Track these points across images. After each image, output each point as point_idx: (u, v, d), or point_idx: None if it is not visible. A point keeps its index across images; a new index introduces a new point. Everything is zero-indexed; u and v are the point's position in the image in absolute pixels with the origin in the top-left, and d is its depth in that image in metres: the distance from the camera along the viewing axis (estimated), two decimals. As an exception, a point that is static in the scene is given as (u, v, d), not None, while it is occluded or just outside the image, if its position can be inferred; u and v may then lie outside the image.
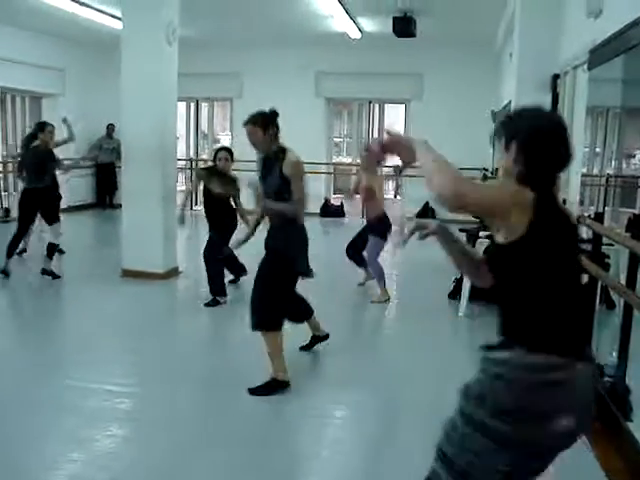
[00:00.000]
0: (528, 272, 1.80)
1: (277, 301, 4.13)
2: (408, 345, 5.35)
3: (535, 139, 1.86)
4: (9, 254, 7.12)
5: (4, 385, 4.20)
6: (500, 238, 1.85)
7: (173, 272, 7.33)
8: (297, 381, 4.28)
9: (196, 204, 13.67)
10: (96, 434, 3.49)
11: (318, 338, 4.90)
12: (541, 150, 1.85)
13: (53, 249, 7.26)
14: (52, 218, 7.29)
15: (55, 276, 7.13)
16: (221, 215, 6.23)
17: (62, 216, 7.72)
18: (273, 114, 4.14)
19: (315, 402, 4.08)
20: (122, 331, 5.49)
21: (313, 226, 11.94)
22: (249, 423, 3.77)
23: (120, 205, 8.04)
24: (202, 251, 6.34)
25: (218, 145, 11.62)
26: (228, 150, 6.43)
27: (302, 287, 4.51)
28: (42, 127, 7.34)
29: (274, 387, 4.10)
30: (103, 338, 5.26)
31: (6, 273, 7.03)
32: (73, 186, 12.35)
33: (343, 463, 3.36)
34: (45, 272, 7.13)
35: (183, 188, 13.55)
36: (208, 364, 4.83)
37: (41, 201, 7.16)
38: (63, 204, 8.59)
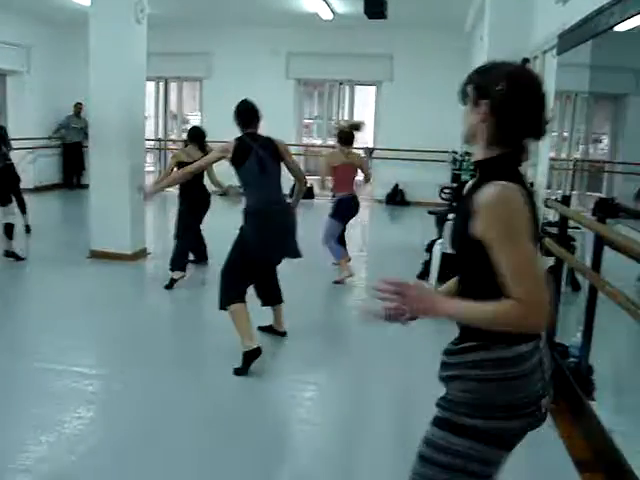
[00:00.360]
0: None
1: (232, 281, 4.32)
2: (375, 326, 5.38)
3: (512, 98, 1.62)
4: None
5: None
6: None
7: (141, 253, 7.28)
8: (267, 362, 4.30)
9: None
10: (64, 416, 3.47)
11: (275, 331, 4.90)
12: (518, 111, 1.63)
13: (10, 229, 7.10)
14: (2, 200, 7.15)
15: (18, 258, 7.02)
16: (193, 189, 6.14)
17: (28, 196, 7.62)
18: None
19: (286, 382, 4.10)
20: (90, 313, 5.44)
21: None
22: (218, 404, 3.78)
23: (88, 185, 7.95)
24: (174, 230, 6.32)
25: (190, 125, 11.52)
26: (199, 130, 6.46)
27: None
28: None
29: (248, 359, 4.13)
30: (70, 320, 5.21)
31: None
32: (40, 166, 12.18)
33: (314, 443, 3.39)
34: (8, 254, 7.04)
35: (152, 169, 13.48)
36: (176, 345, 4.83)
37: None
38: (29, 184, 8.48)
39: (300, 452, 3.33)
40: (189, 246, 6.44)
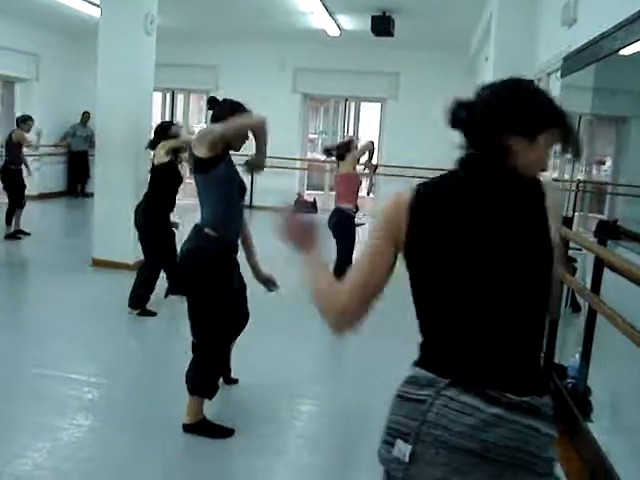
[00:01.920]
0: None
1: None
2: (375, 339, 5.38)
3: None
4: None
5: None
6: None
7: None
8: (265, 377, 4.31)
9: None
10: (62, 423, 3.48)
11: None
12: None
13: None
14: None
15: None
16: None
17: (33, 203, 7.71)
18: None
19: (283, 397, 4.11)
20: (91, 321, 5.46)
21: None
22: (215, 414, 3.78)
23: (92, 194, 7.99)
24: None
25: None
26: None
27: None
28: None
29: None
30: (71, 327, 5.23)
31: None
32: (45, 173, 12.21)
33: (310, 457, 3.40)
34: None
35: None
36: (174, 355, 4.83)
37: None
38: (33, 191, 8.55)
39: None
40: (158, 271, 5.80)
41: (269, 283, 3.82)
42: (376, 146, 13.50)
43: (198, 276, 3.36)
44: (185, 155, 5.50)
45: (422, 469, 1.36)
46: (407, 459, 1.37)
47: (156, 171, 5.53)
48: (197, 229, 3.43)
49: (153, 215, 5.59)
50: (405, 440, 1.39)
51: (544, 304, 1.47)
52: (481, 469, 1.34)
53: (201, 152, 3.29)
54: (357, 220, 6.52)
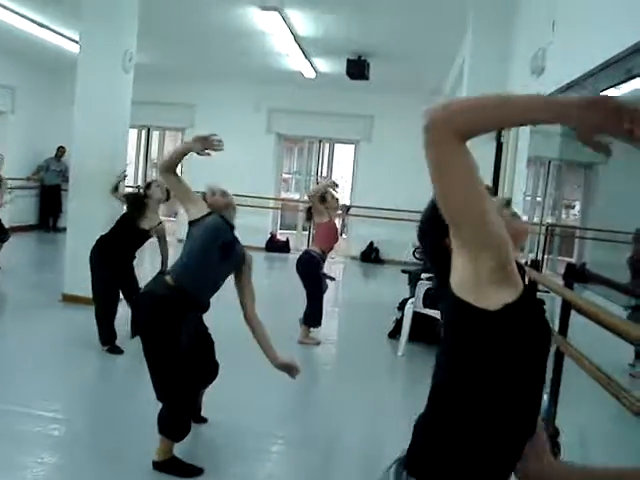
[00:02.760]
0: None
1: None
2: (345, 382, 5.39)
3: None
4: None
5: None
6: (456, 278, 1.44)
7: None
8: (235, 415, 4.28)
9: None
10: (27, 461, 3.42)
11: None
12: None
13: None
14: None
15: None
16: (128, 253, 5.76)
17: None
18: None
19: (253, 437, 4.08)
20: (58, 357, 5.39)
21: (257, 260, 11.97)
22: (185, 451, 3.74)
23: (64, 228, 7.94)
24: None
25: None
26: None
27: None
28: None
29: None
30: (38, 363, 5.14)
31: None
32: (17, 206, 12.09)
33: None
34: None
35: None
36: (141, 393, 4.77)
37: None
38: (5, 223, 8.43)
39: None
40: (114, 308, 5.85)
41: (292, 370, 3.74)
42: (347, 186, 13.73)
43: (146, 318, 3.40)
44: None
45: None
46: None
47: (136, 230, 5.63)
48: (158, 275, 3.46)
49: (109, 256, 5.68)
50: None
51: None
52: None
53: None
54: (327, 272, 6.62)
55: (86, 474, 3.40)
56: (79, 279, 7.01)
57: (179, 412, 3.45)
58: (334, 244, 6.68)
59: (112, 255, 5.65)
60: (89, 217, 6.97)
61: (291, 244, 13.45)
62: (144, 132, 14.28)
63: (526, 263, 4.39)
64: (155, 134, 14.47)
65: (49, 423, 3.94)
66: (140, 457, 3.61)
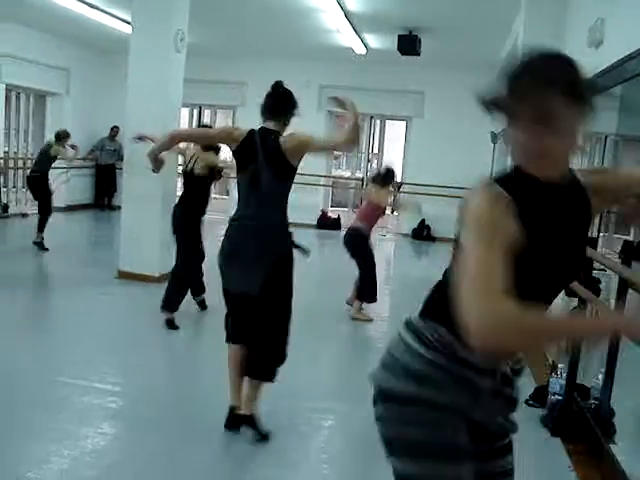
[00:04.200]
0: None
1: (227, 313, 3.69)
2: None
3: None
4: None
5: (-3, 379, 4.24)
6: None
7: (168, 276, 7.35)
8: (288, 390, 4.33)
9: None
10: (87, 431, 3.53)
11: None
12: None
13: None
14: None
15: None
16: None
17: (60, 215, 7.88)
18: None
19: (306, 412, 4.12)
20: (115, 332, 5.54)
21: (309, 237, 12.01)
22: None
23: (118, 207, 8.10)
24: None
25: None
26: None
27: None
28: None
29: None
30: (95, 338, 5.30)
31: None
32: (72, 185, 12.39)
33: (330, 472, 3.41)
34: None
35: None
36: (198, 367, 4.87)
37: None
38: (61, 203, 8.69)
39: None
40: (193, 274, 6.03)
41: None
42: (399, 164, 13.65)
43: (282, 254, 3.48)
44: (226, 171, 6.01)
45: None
46: None
47: (193, 177, 5.76)
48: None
49: (190, 219, 5.84)
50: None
51: None
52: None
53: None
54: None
55: (145, 445, 3.49)
56: (134, 256, 7.19)
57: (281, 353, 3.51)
58: (380, 220, 6.82)
59: (191, 214, 5.85)
60: (143, 195, 7.09)
61: (342, 221, 13.45)
62: (196, 111, 14.41)
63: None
64: (207, 113, 14.59)
65: (108, 395, 4.06)
66: (195, 429, 3.69)
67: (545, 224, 1.48)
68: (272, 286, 3.39)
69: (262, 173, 3.39)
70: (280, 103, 3.67)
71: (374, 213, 6.52)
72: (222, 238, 3.50)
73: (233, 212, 3.55)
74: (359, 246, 6.38)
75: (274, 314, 3.44)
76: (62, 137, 8.88)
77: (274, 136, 3.47)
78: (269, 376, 3.52)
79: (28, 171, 9.32)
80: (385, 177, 6.56)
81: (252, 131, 3.52)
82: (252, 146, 3.44)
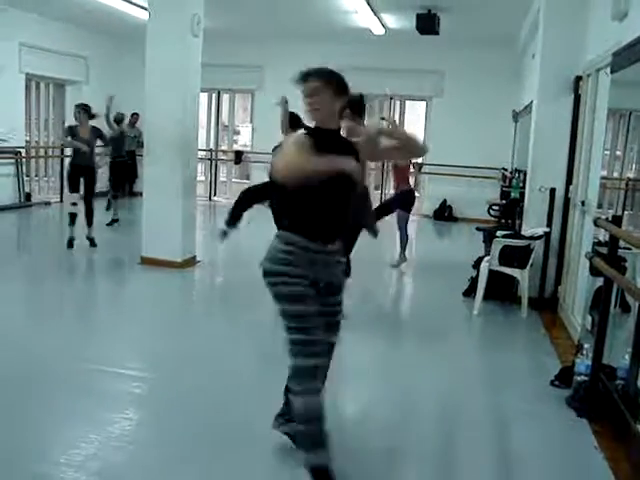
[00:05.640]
0: None
1: None
2: (420, 340, 5.38)
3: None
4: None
5: (22, 366, 4.28)
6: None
7: (191, 261, 7.40)
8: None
9: (215, 194, 13.83)
10: (113, 416, 3.56)
11: None
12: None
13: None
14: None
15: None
16: None
17: (80, 201, 8.02)
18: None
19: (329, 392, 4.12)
20: (139, 317, 5.57)
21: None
22: (265, 410, 3.82)
23: (139, 193, 8.13)
24: None
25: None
26: None
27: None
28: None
29: None
30: (119, 324, 5.34)
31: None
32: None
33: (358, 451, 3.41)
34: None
35: (202, 178, 13.68)
36: (222, 353, 4.89)
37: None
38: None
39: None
40: None
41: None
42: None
43: None
44: None
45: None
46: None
47: None
48: None
49: None
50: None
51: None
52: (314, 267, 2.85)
53: None
54: None
55: (171, 430, 3.51)
56: (156, 242, 7.22)
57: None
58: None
59: None
60: (164, 180, 7.11)
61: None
62: (214, 95, 14.41)
63: (607, 219, 4.24)
64: (225, 97, 14.57)
65: (133, 381, 4.09)
66: (220, 415, 3.71)
67: (322, 147, 2.73)
68: None
69: None
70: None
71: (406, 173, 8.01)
72: None
73: None
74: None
75: None
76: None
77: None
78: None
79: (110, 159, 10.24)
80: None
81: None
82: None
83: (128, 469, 3.08)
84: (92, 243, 8.13)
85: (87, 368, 4.28)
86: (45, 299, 6.25)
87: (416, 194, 8.35)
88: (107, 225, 9.66)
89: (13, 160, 11.57)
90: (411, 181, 8.43)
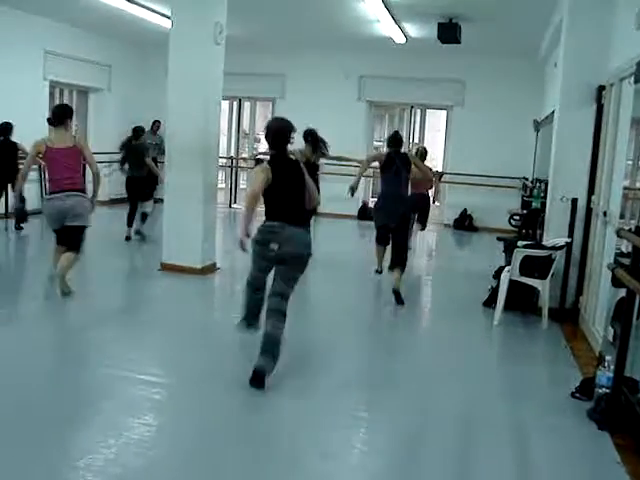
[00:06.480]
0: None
1: None
2: (441, 350, 5.36)
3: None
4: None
5: (43, 370, 4.33)
6: None
7: (211, 268, 7.42)
8: (327, 381, 4.33)
9: (235, 202, 13.88)
10: (132, 422, 3.57)
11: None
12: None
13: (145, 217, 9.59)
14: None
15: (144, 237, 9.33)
16: None
17: (103, 208, 8.01)
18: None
19: (346, 402, 4.12)
20: (158, 324, 5.59)
21: (350, 228, 11.98)
22: (278, 420, 3.82)
23: (160, 200, 8.18)
24: None
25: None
26: None
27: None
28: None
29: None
30: (139, 330, 5.37)
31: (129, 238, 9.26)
32: (113, 180, 12.54)
33: (373, 463, 3.40)
34: (138, 232, 9.42)
35: (223, 185, 13.74)
36: (241, 359, 4.88)
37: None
38: (105, 197, 8.84)
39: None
40: None
41: None
42: (440, 153, 13.58)
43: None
44: None
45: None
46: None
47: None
48: None
49: None
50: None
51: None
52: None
53: None
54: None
55: (191, 437, 3.52)
56: (177, 248, 7.25)
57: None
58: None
59: None
60: (184, 187, 7.16)
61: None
62: (235, 103, 14.48)
63: (629, 230, 4.20)
64: (246, 105, 14.64)
65: (152, 387, 4.11)
66: (239, 424, 3.72)
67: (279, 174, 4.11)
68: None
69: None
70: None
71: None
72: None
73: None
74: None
75: (404, 235, 6.81)
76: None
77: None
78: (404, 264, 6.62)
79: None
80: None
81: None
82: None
83: (148, 475, 3.09)
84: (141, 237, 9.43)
85: (105, 373, 4.30)
86: (63, 303, 6.28)
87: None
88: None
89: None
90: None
